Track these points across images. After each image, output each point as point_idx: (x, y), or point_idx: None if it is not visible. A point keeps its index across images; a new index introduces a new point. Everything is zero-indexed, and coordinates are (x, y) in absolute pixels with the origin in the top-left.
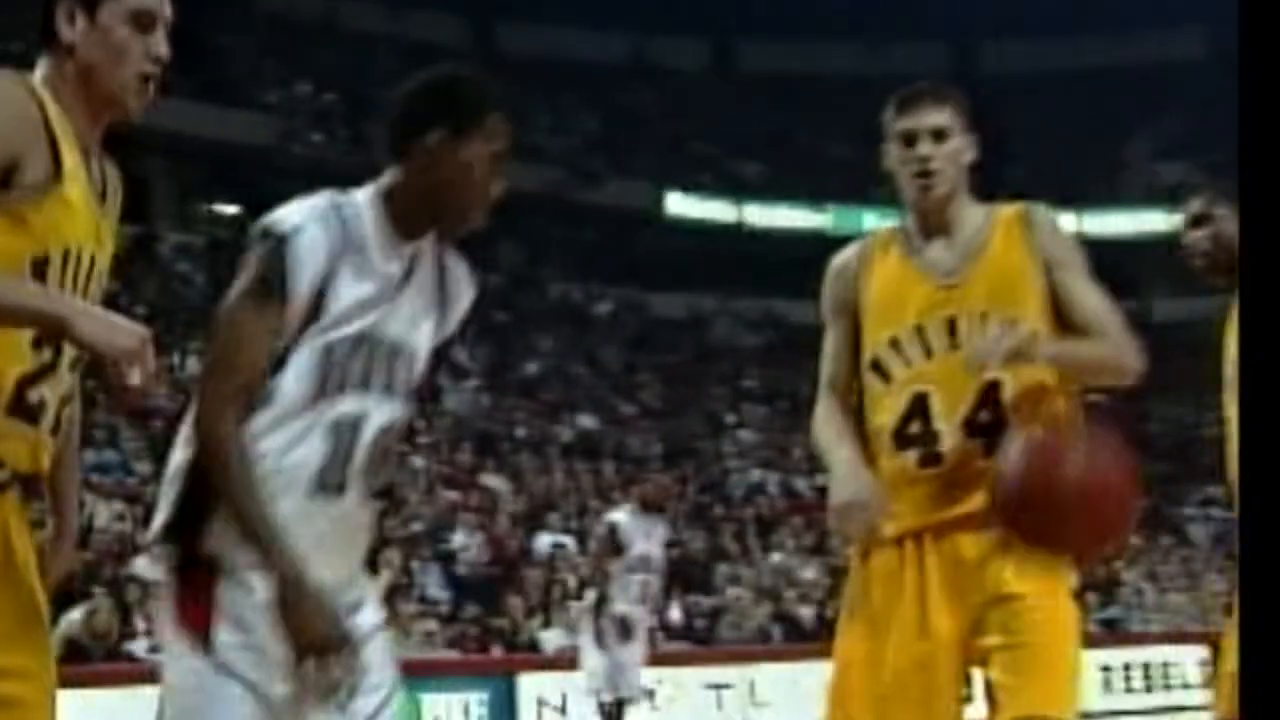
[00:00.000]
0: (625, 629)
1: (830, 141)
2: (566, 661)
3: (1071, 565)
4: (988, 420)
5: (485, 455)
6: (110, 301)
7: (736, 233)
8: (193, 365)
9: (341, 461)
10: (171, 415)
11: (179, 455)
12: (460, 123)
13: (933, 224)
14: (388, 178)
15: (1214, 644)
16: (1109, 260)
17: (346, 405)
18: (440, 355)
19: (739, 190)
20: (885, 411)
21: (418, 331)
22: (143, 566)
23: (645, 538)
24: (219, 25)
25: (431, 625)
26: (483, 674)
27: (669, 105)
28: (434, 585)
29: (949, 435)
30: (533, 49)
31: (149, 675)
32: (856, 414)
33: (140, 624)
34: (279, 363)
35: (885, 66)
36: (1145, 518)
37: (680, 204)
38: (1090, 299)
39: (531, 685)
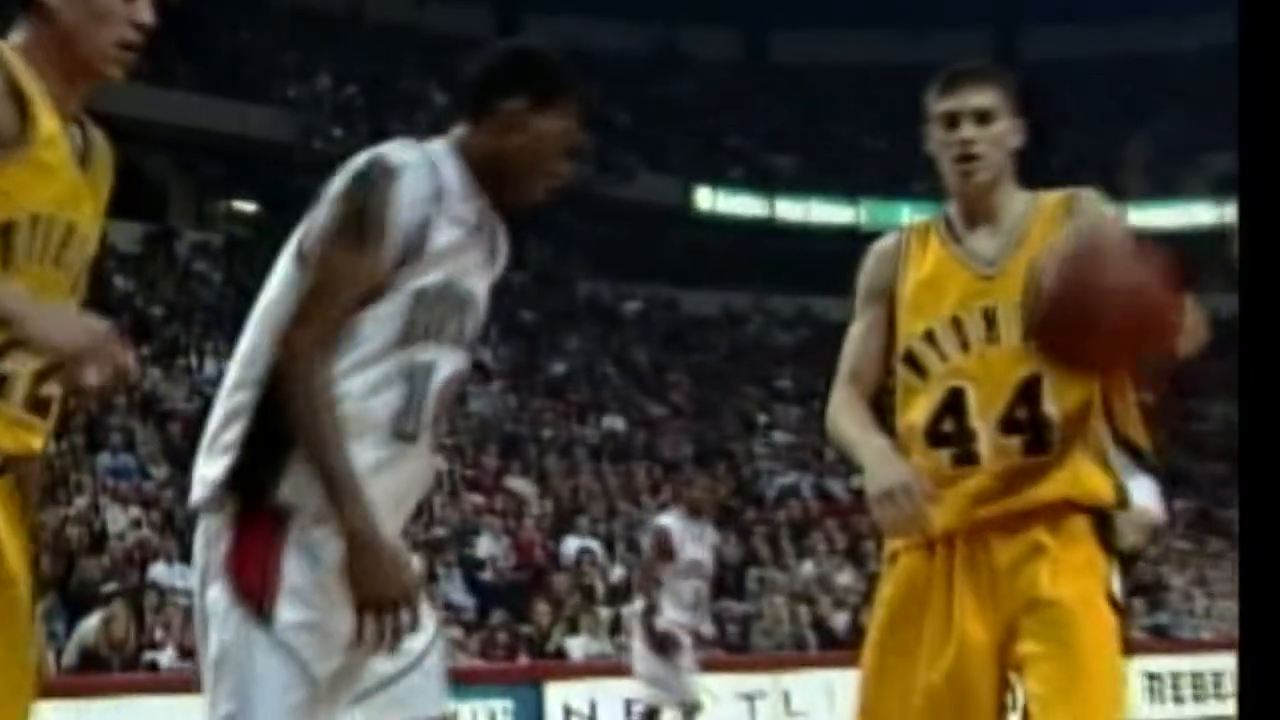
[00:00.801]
0: (677, 636)
1: (865, 134)
2: (595, 669)
3: (1113, 378)
4: (1025, 418)
5: (511, 458)
6: (126, 301)
7: (769, 228)
8: (211, 367)
9: (416, 410)
10: (189, 418)
11: (240, 397)
12: (543, 95)
13: (976, 211)
14: (461, 133)
15: None
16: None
17: (424, 353)
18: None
19: (771, 184)
20: (917, 408)
21: (482, 284)
22: (200, 497)
23: (696, 542)
24: (236, 17)
25: (457, 633)
26: (509, 682)
27: (699, 97)
28: (459, 591)
29: (984, 433)
30: (559, 40)
31: (170, 685)
32: (878, 409)
33: (159, 633)
34: (364, 305)
35: (923, 55)
36: (1195, 520)
37: (711, 199)
38: None
39: (559, 694)
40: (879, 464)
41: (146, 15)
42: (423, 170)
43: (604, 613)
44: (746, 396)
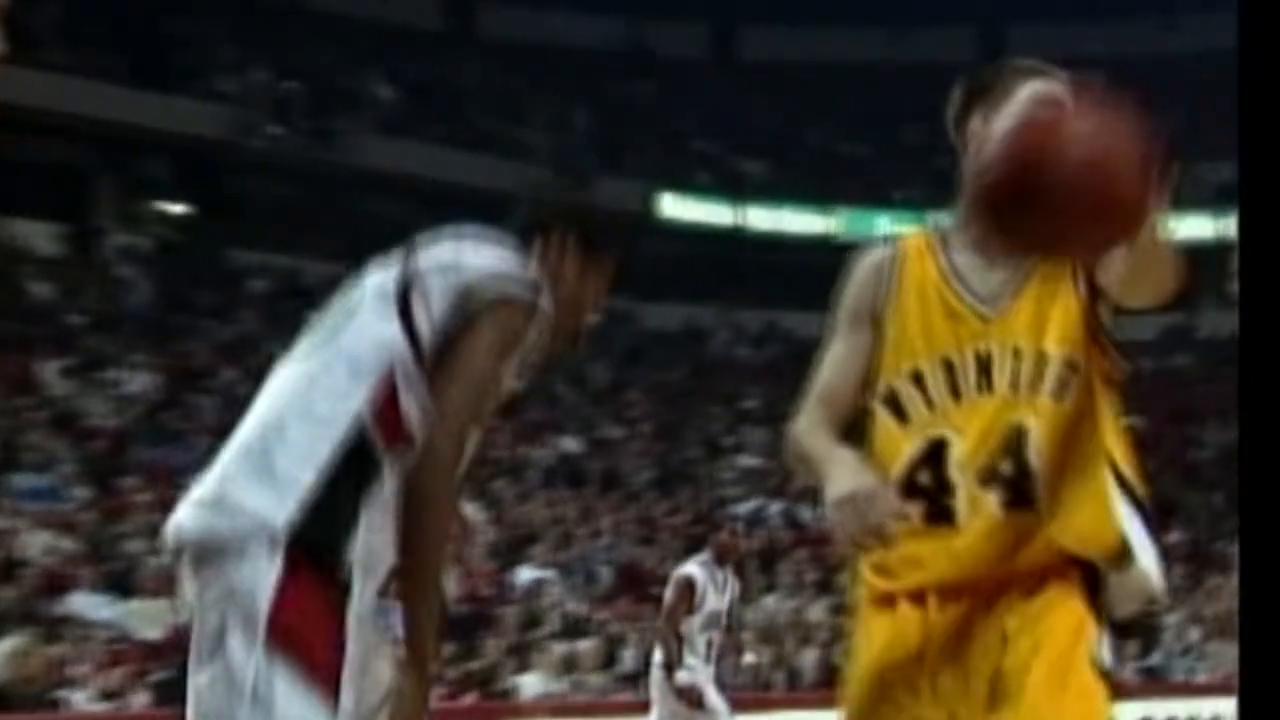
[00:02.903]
0: (692, 692)
1: (841, 138)
2: (547, 709)
3: (1069, 257)
4: (1009, 474)
5: None
6: (45, 308)
7: (737, 237)
8: (137, 381)
9: None
10: (113, 435)
11: (322, 443)
12: (591, 241)
13: (985, 237)
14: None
15: None
16: None
17: None
18: None
19: (740, 191)
20: (893, 455)
21: None
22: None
23: (718, 592)
24: (167, 3)
25: None
26: None
27: (665, 97)
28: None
29: (963, 488)
30: (516, 34)
31: None
32: (849, 439)
33: (76, 669)
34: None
35: (904, 54)
36: (1189, 554)
37: (676, 205)
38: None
39: None
40: (842, 470)
41: None
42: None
43: (558, 649)
44: (711, 417)
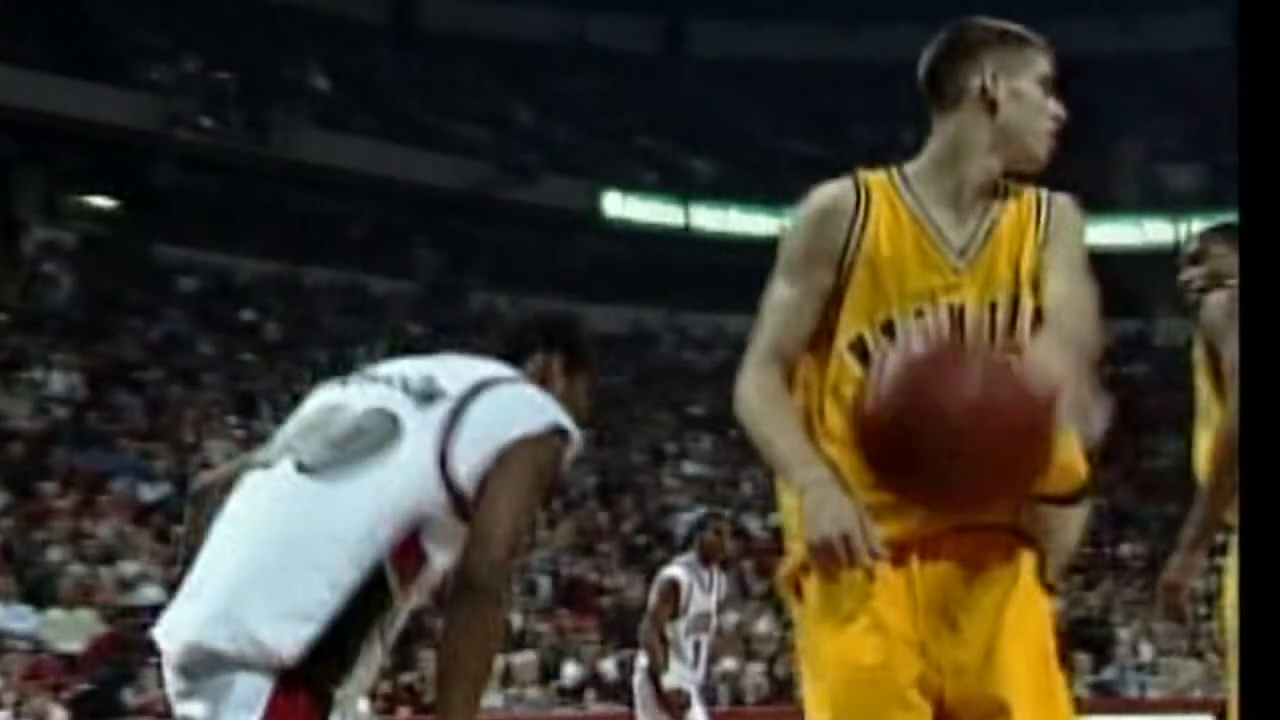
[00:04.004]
0: (687, 695)
1: (792, 136)
2: None
3: (943, 511)
4: None
5: None
6: None
7: (684, 238)
8: (60, 381)
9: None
10: (34, 438)
11: (348, 574)
12: (575, 360)
13: (962, 189)
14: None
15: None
16: (1106, 273)
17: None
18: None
19: (688, 190)
20: (860, 406)
21: None
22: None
23: (705, 593)
24: None
25: None
26: None
27: (610, 93)
28: None
29: None
30: (458, 26)
31: None
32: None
33: None
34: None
35: (855, 51)
36: (1146, 566)
37: (621, 204)
38: (1070, 312)
39: None
40: (819, 505)
41: None
42: None
43: (496, 662)
44: (656, 423)
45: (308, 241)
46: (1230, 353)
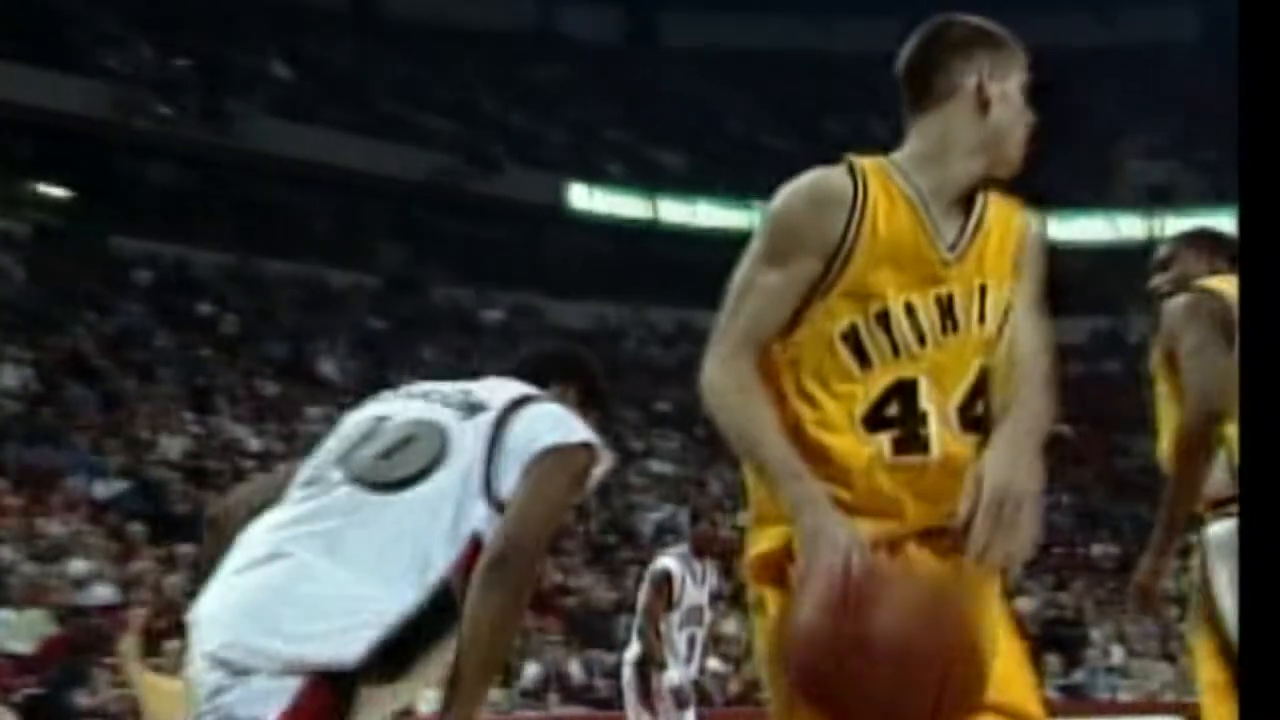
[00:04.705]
0: (680, 694)
1: (762, 129)
2: None
3: None
4: (982, 414)
5: None
6: None
7: (651, 232)
8: (11, 375)
9: None
10: None
11: (411, 596)
12: (589, 395)
13: (955, 190)
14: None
15: (1192, 716)
16: (1081, 271)
17: None
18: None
19: (655, 183)
20: (850, 398)
21: None
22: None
23: (697, 585)
24: None
25: None
26: None
27: (577, 83)
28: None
29: (936, 418)
30: (421, 14)
31: None
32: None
33: None
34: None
35: (828, 43)
36: (1117, 568)
37: (587, 197)
38: (1029, 336)
39: None
40: (816, 532)
41: None
42: None
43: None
44: (621, 420)
45: (267, 233)
46: (1187, 355)
